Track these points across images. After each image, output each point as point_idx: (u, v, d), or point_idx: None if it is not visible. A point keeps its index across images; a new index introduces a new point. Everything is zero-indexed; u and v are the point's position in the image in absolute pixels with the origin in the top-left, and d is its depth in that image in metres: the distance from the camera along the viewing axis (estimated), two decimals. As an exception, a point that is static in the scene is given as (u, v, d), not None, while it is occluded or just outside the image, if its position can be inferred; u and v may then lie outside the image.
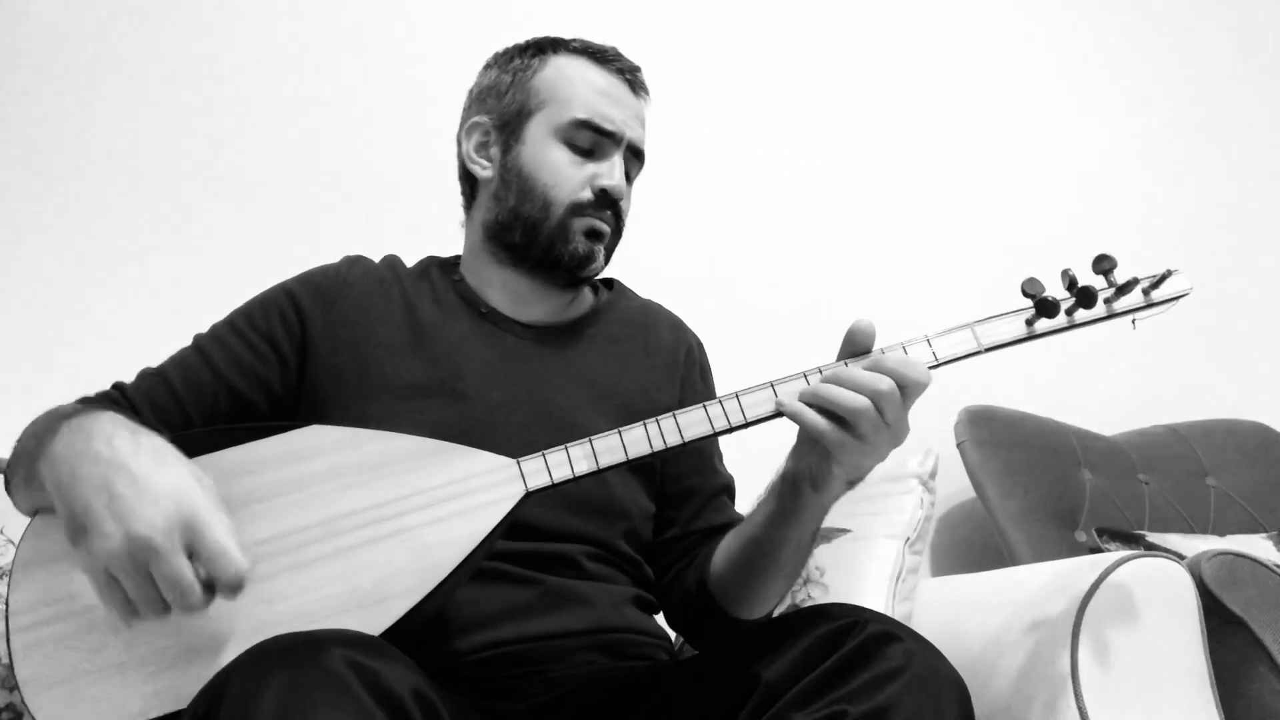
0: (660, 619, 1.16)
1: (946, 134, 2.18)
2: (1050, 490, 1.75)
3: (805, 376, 0.91)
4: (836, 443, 0.87)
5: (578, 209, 1.11)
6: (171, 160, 1.73)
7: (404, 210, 1.77)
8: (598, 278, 1.20)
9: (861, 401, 0.85)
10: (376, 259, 1.21)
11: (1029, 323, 0.93)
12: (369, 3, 1.88)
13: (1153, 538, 1.67)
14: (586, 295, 1.23)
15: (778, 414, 0.91)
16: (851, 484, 0.95)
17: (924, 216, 2.13)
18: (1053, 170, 2.23)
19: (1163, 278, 0.93)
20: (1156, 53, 2.34)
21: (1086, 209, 2.22)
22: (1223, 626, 1.16)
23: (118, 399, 1.06)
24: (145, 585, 0.77)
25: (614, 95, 1.14)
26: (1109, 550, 1.61)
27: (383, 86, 1.85)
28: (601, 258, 1.14)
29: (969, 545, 1.94)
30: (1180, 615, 1.13)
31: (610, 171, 1.12)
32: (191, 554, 0.78)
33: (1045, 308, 0.91)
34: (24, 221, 1.65)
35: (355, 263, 1.19)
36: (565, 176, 1.11)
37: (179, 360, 1.10)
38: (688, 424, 0.92)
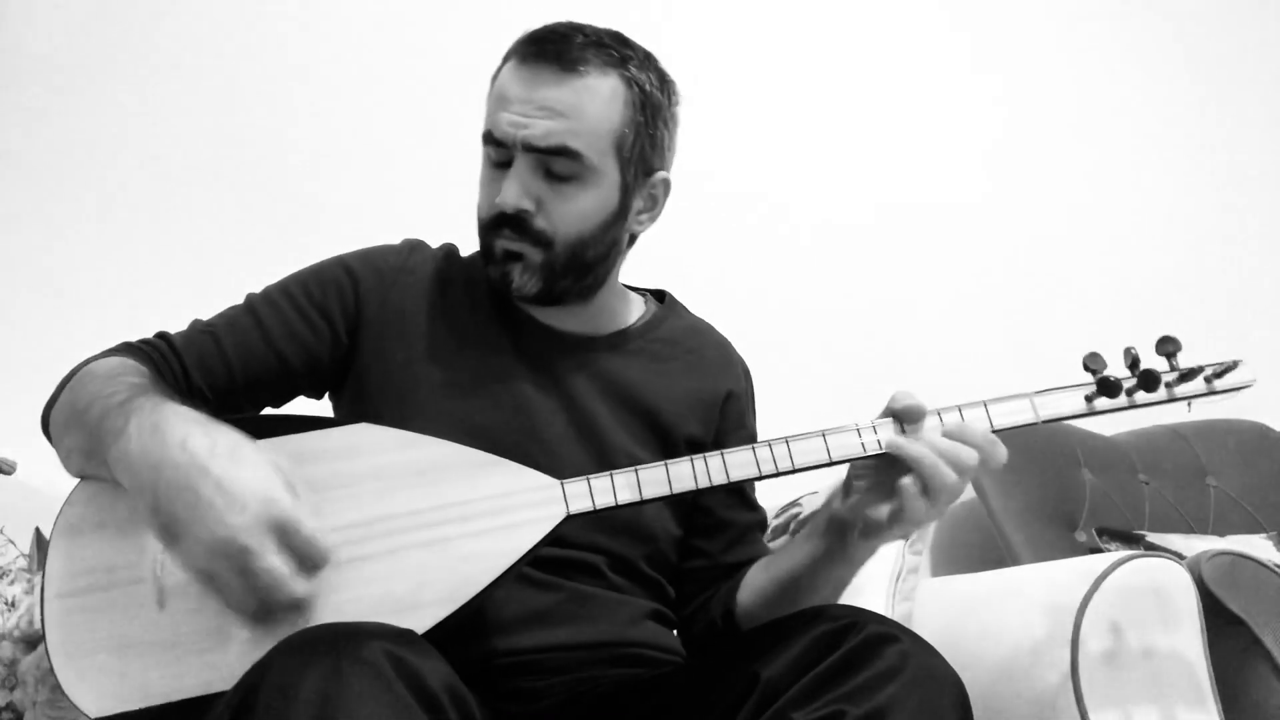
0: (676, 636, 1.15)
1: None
2: (1050, 490, 1.74)
3: (858, 430, 0.92)
4: (922, 505, 0.89)
5: (486, 229, 1.06)
6: (190, 154, 1.73)
7: (438, 205, 1.75)
8: (652, 290, 1.18)
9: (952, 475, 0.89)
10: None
11: (1089, 399, 0.93)
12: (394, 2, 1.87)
13: (1153, 538, 1.67)
14: (633, 307, 1.19)
15: (828, 463, 0.92)
16: (905, 536, 0.97)
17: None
18: (1045, 172, 2.22)
19: (1228, 368, 0.93)
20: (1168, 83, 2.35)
21: (1087, 210, 2.22)
22: (1223, 627, 1.16)
23: (165, 351, 1.04)
24: (241, 585, 0.78)
25: (510, 94, 1.01)
26: (1109, 550, 1.61)
27: (415, 80, 1.84)
28: (522, 277, 1.04)
29: (969, 545, 1.93)
30: (1180, 615, 1.13)
31: (503, 186, 1.02)
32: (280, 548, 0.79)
33: (1107, 387, 0.91)
34: (38, 217, 1.65)
35: (416, 249, 1.16)
36: (482, 195, 1.07)
37: (230, 319, 1.08)
38: (734, 465, 0.92)
